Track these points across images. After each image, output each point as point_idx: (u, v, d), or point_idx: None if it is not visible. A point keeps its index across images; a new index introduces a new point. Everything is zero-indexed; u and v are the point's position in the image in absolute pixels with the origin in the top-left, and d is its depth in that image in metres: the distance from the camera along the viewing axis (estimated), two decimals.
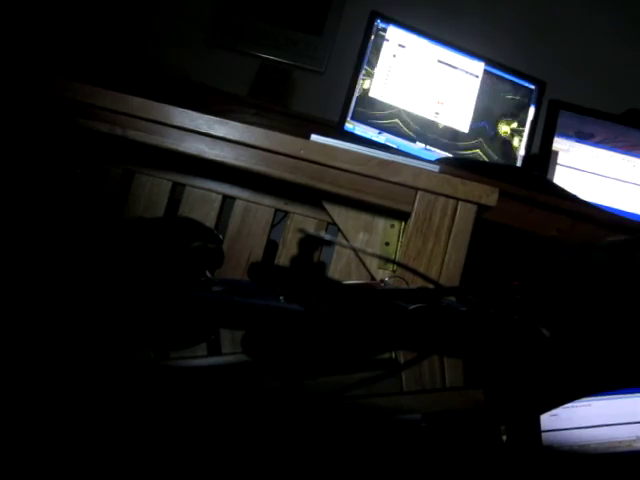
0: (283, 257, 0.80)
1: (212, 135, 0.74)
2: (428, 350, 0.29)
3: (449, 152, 1.18)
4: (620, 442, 0.21)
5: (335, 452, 0.17)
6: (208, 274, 0.39)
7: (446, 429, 0.18)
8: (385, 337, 0.30)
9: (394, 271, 0.75)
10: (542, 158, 1.23)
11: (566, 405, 0.25)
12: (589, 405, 0.27)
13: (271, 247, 0.84)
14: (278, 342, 0.32)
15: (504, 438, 0.18)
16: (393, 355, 0.29)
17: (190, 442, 0.17)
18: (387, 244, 0.80)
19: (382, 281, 0.47)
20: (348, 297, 0.31)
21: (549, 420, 0.22)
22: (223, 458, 0.17)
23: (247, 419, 0.18)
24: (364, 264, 0.78)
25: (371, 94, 1.16)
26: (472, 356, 0.28)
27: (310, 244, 0.32)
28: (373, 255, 0.47)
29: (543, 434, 0.19)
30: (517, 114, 1.23)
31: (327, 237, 0.36)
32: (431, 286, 0.38)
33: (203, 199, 0.81)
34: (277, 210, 0.83)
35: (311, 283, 0.31)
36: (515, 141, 1.23)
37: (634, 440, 0.21)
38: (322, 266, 0.78)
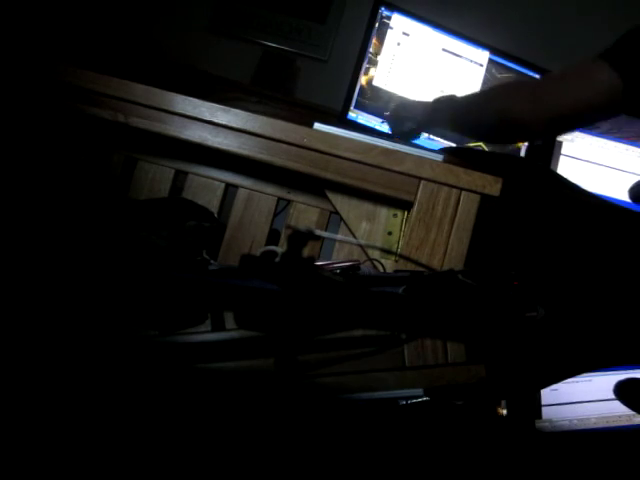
0: (285, 246, 0.80)
1: (215, 123, 0.74)
2: (424, 328, 0.29)
3: (452, 142, 1.17)
4: (620, 416, 0.21)
5: (333, 425, 0.17)
6: (205, 254, 0.39)
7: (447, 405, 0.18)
8: (383, 317, 0.30)
9: (396, 260, 0.76)
10: (546, 148, 1.23)
11: (567, 380, 0.25)
12: (590, 380, 0.28)
13: (274, 236, 0.84)
14: (269, 320, 0.32)
15: (504, 412, 0.19)
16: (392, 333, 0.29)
17: (192, 418, 0.17)
18: (390, 233, 0.80)
19: (359, 263, 0.47)
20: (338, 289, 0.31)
21: (550, 394, 0.22)
22: (225, 434, 0.17)
23: (247, 394, 0.18)
24: (366, 254, 0.78)
25: (375, 82, 1.15)
26: (468, 332, 0.28)
27: (308, 236, 0.32)
28: (366, 245, 0.47)
29: (545, 408, 0.19)
30: None
31: (318, 232, 0.36)
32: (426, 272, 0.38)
33: (206, 187, 0.81)
34: (280, 199, 0.83)
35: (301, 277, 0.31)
36: None
37: (634, 414, 0.22)
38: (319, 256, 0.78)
